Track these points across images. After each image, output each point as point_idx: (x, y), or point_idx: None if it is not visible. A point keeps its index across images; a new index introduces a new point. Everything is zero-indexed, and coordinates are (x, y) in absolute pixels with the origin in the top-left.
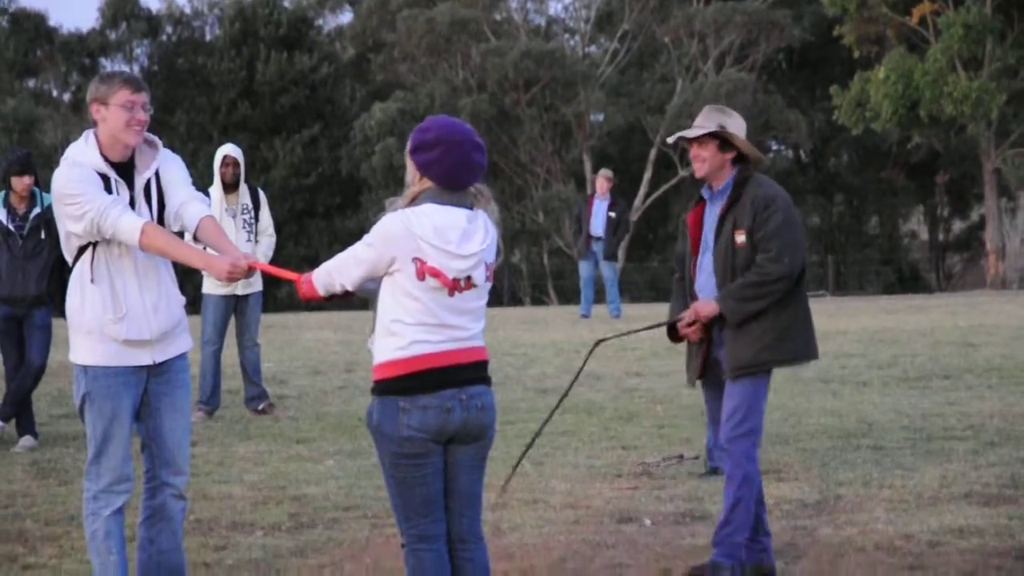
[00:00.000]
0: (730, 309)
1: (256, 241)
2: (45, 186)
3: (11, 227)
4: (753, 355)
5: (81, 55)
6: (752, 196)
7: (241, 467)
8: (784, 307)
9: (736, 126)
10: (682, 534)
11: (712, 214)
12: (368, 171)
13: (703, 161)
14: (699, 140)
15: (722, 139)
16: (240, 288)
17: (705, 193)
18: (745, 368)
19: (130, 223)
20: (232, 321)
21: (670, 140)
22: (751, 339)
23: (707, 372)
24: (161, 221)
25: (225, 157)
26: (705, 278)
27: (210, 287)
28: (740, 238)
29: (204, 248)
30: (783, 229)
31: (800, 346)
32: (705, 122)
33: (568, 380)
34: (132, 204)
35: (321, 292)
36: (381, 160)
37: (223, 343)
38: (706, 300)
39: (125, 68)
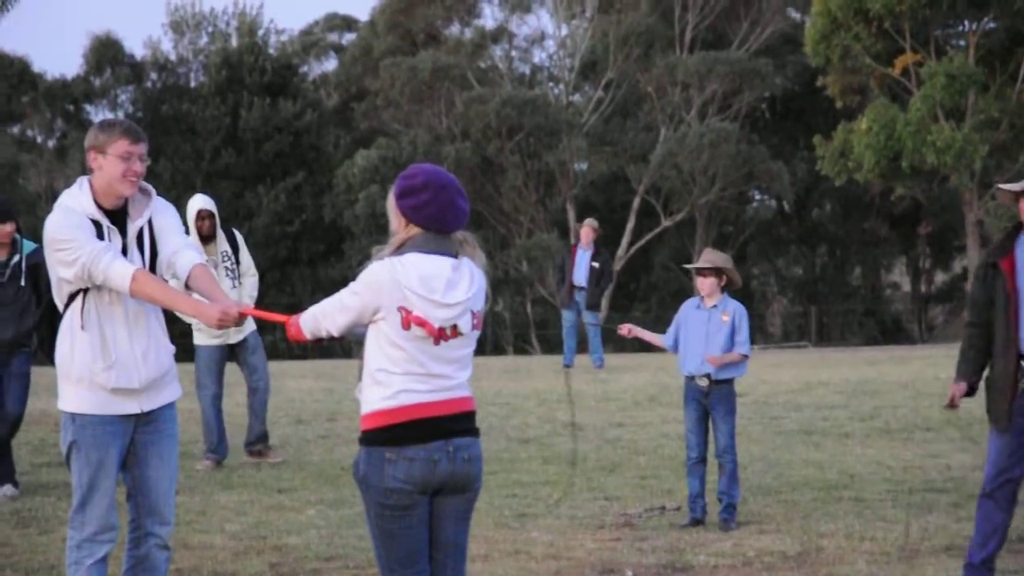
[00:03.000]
0: None
1: (240, 284)
2: (28, 233)
3: None
4: None
5: (65, 101)
6: None
7: (223, 516)
8: None
9: None
10: None
11: None
12: (351, 219)
13: None
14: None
15: None
16: (232, 336)
17: (1021, 239)
18: None
19: (121, 269)
20: (236, 368)
21: (997, 194)
22: None
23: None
24: (153, 269)
25: (200, 211)
26: None
27: (201, 338)
28: None
29: (195, 296)
30: None
31: None
32: None
33: (550, 430)
34: (124, 251)
35: (308, 336)
36: (364, 208)
37: (222, 391)
38: None
39: (110, 115)
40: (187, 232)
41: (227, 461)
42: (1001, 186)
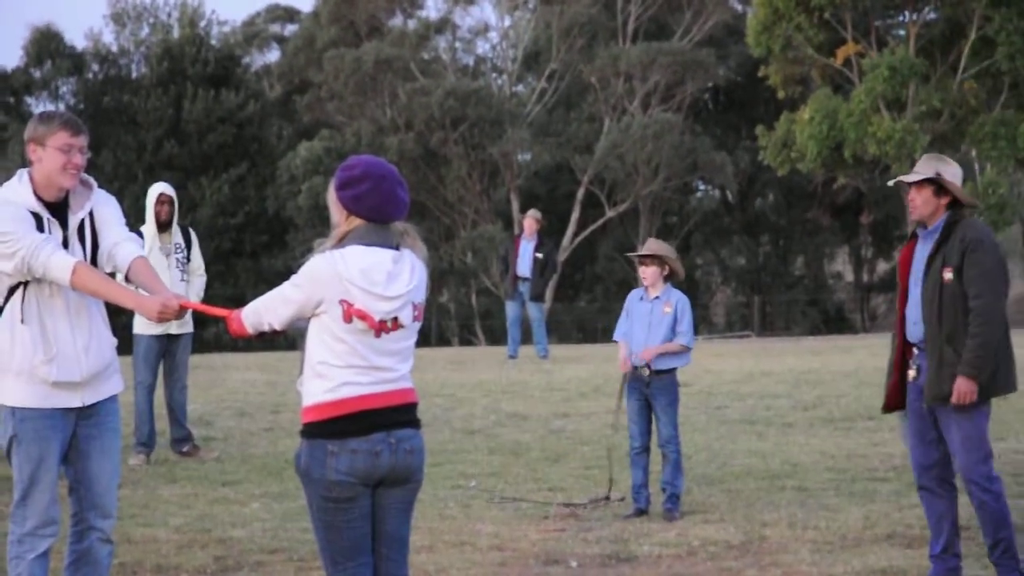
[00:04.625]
0: (984, 375)
1: (188, 281)
2: None
3: None
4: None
5: (5, 93)
6: (961, 237)
7: (166, 510)
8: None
9: (952, 174)
10: (608, 575)
11: (923, 251)
12: (294, 210)
13: (917, 205)
14: (917, 185)
15: (938, 184)
16: (174, 328)
17: (920, 231)
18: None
19: (61, 262)
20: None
21: (891, 183)
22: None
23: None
24: (94, 261)
25: (160, 195)
26: (913, 307)
27: (142, 327)
28: (948, 275)
29: (136, 289)
30: (991, 270)
31: (1004, 379)
32: (924, 168)
33: (495, 421)
34: (65, 244)
35: (250, 330)
36: (307, 199)
37: (156, 384)
38: (961, 380)
39: (51, 106)
40: (144, 219)
41: (168, 455)
42: (901, 178)
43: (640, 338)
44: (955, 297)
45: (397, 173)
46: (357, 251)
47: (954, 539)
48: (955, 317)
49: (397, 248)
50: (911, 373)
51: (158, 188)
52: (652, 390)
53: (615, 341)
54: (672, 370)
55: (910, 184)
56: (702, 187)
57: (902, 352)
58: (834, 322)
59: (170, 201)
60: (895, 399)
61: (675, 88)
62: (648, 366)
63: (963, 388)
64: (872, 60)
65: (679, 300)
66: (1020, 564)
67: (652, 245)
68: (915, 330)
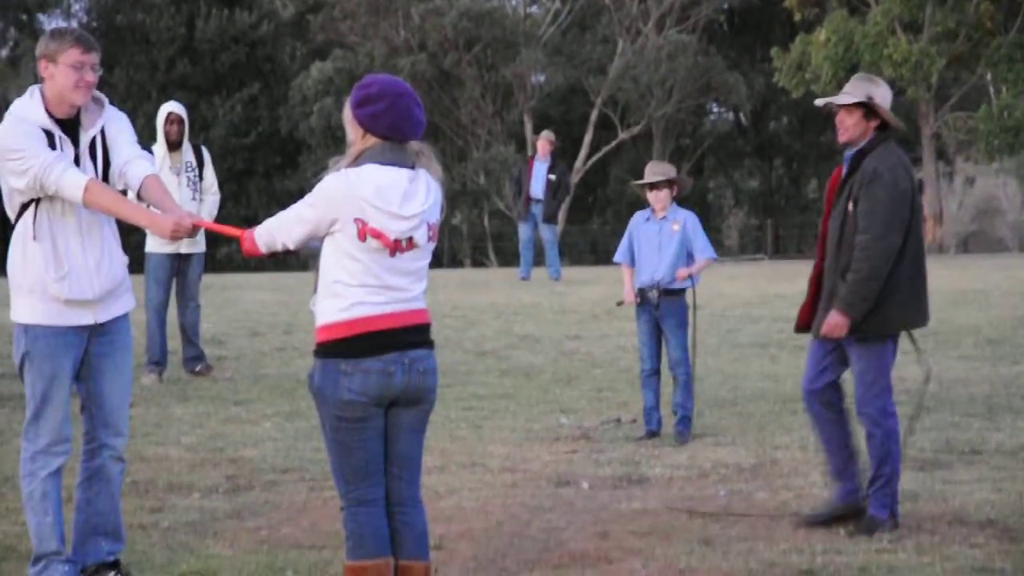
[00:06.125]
0: (857, 312)
1: (201, 200)
2: None
3: None
4: (875, 320)
5: (18, 10)
6: (864, 167)
7: (178, 429)
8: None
9: (882, 96)
10: (619, 498)
11: None
12: (307, 131)
13: (847, 127)
14: (847, 107)
15: (868, 107)
16: (184, 247)
17: (846, 156)
18: (866, 331)
19: (74, 179)
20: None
21: (819, 103)
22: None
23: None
24: (106, 179)
25: (170, 115)
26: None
27: (153, 245)
28: (850, 206)
29: (148, 206)
30: (882, 204)
31: (912, 312)
32: (854, 90)
33: (507, 343)
34: (77, 161)
35: (263, 250)
36: (319, 120)
37: (168, 302)
38: (832, 315)
39: (64, 24)
40: (156, 138)
41: (181, 375)
42: (831, 100)
43: (650, 260)
44: (854, 229)
45: (413, 92)
46: (372, 170)
47: (848, 463)
48: (851, 250)
49: (412, 168)
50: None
51: (167, 107)
52: (661, 312)
53: (616, 263)
54: (681, 291)
55: (839, 106)
56: (716, 109)
57: (818, 275)
58: None
59: (179, 120)
60: (807, 318)
61: (690, 9)
62: (658, 287)
63: (833, 321)
64: None
65: (687, 217)
66: (895, 504)
67: (659, 168)
68: None
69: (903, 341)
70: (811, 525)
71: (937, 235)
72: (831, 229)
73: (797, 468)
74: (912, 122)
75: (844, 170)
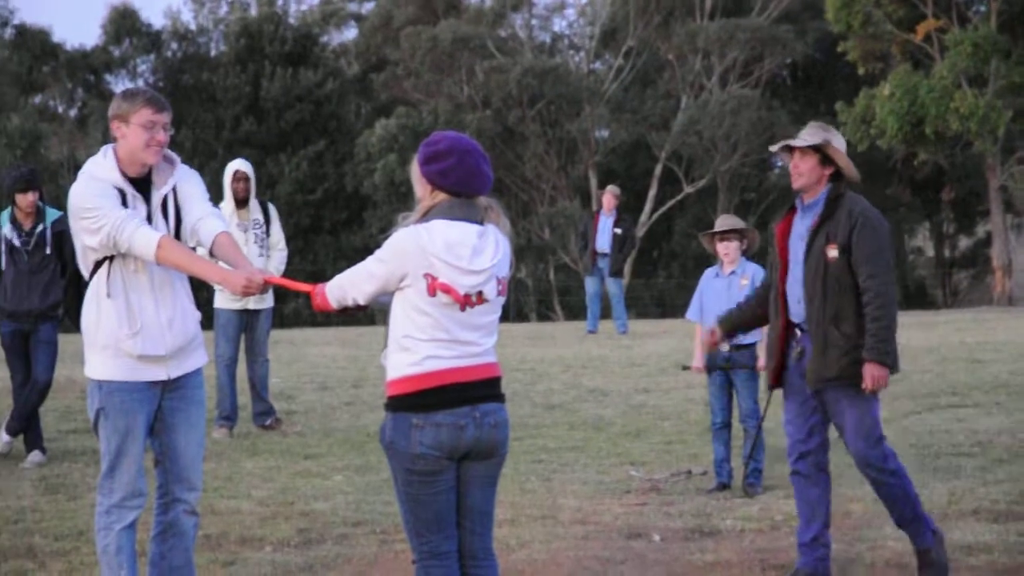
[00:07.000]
0: (894, 359)
1: (268, 256)
2: (51, 202)
3: (17, 243)
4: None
5: (85, 71)
6: (848, 211)
7: (249, 482)
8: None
9: (839, 143)
10: (691, 550)
11: (803, 226)
12: (371, 187)
13: (802, 173)
14: (802, 151)
15: (823, 154)
16: (253, 303)
17: (798, 204)
18: (852, 379)
19: (146, 237)
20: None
21: (773, 148)
22: (854, 351)
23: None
24: (178, 236)
25: (236, 172)
26: (795, 285)
27: (222, 302)
28: (832, 252)
29: (218, 263)
30: (883, 248)
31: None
32: (812, 136)
33: (575, 396)
34: (149, 219)
35: (334, 305)
36: (383, 177)
37: (237, 356)
38: (872, 366)
39: (130, 84)
40: (222, 196)
41: (251, 429)
42: (788, 142)
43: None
44: (841, 276)
45: (480, 148)
46: (442, 225)
47: (823, 529)
48: (840, 297)
49: (481, 223)
50: (794, 354)
51: (234, 165)
52: (732, 365)
53: (689, 320)
54: (752, 345)
55: (793, 150)
56: (780, 163)
57: (784, 332)
58: (915, 298)
59: (246, 178)
60: (779, 377)
61: (753, 64)
62: (728, 341)
63: (876, 374)
64: (955, 36)
65: (755, 271)
66: (929, 523)
67: (727, 220)
68: (798, 309)
69: (989, 394)
70: None
71: (1007, 287)
72: (808, 280)
73: (870, 520)
74: (980, 175)
75: (811, 219)
